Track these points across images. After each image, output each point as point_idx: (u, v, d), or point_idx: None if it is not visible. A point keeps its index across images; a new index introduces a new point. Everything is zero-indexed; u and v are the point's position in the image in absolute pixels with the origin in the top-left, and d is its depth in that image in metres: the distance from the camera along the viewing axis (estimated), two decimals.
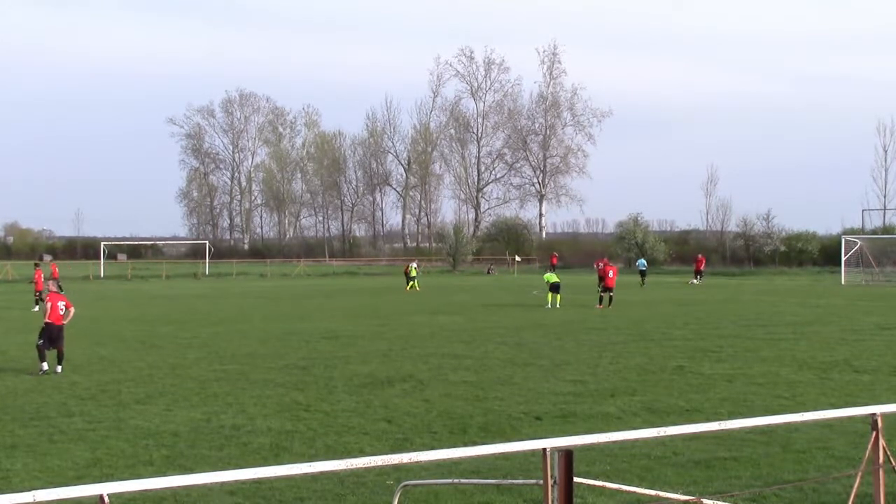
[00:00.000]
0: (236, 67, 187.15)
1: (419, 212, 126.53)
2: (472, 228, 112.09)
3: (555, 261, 78.59)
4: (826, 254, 79.82)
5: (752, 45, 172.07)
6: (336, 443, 12.34)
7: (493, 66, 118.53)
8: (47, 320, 19.58)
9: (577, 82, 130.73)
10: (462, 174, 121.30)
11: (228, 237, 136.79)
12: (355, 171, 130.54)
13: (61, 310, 19.82)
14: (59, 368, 19.05)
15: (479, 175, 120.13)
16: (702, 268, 62.95)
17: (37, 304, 37.57)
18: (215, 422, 13.80)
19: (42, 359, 19.12)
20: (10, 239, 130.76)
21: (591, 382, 17.32)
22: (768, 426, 11.40)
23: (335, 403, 15.27)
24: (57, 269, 41.08)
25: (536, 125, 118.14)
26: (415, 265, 58.19)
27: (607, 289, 38.28)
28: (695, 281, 61.02)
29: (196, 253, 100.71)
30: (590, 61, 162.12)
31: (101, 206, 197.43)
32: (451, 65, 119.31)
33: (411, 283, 55.31)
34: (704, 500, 7.70)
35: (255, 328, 29.12)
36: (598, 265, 47.83)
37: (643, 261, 63.00)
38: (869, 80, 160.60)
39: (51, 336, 19.34)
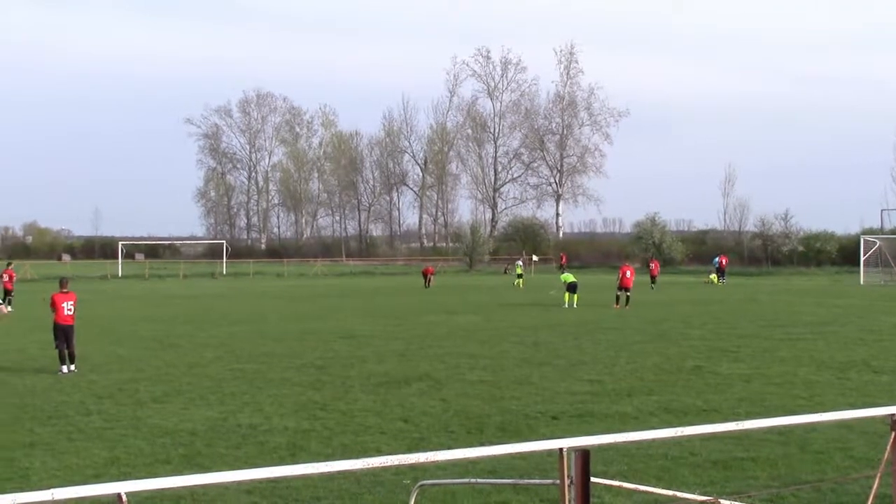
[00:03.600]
0: (253, 67, 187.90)
1: (436, 211, 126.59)
2: (488, 228, 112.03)
3: (564, 260, 79.61)
4: (844, 254, 79.28)
5: (770, 44, 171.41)
6: (353, 442, 12.35)
7: (509, 66, 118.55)
8: (56, 321, 19.63)
9: (594, 82, 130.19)
10: (479, 174, 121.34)
11: (246, 237, 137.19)
12: (372, 171, 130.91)
13: (68, 310, 19.82)
14: (72, 367, 19.16)
15: (495, 175, 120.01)
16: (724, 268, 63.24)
17: (7, 302, 37.85)
18: (232, 421, 13.84)
19: (62, 361, 19.20)
20: (30, 238, 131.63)
21: (608, 382, 17.28)
22: (786, 426, 11.35)
23: (352, 403, 15.29)
24: (14, 273, 40.65)
25: (553, 125, 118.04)
26: (520, 262, 60.64)
27: (624, 289, 38.13)
28: (714, 278, 60.98)
29: (213, 253, 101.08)
30: (607, 61, 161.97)
31: (119, 205, 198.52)
32: (467, 65, 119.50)
33: (518, 280, 57.26)
34: (722, 501, 7.66)
35: (272, 328, 29.20)
36: (650, 265, 56.32)
37: (717, 259, 64.90)
38: (889, 79, 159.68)
39: (64, 336, 19.41)
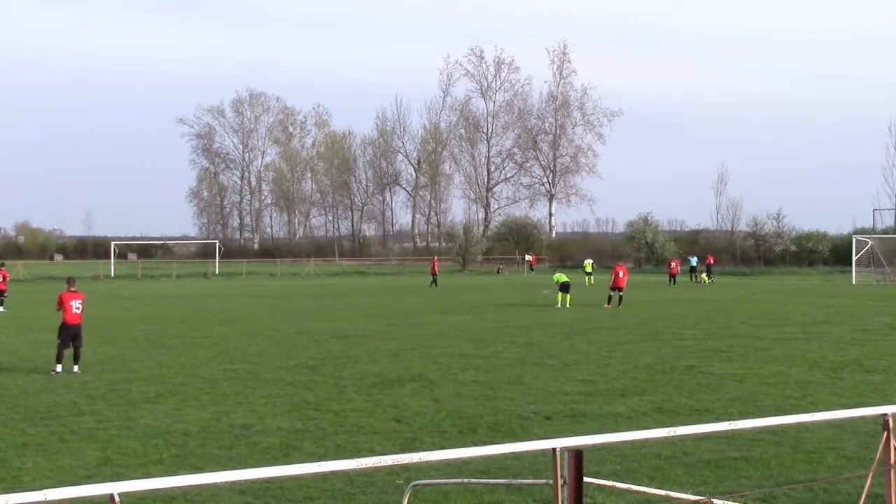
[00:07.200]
0: (246, 67, 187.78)
1: (429, 211, 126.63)
2: (481, 228, 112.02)
3: (534, 261, 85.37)
4: (837, 254, 79.50)
5: (763, 43, 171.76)
6: (346, 442, 12.35)
7: (503, 66, 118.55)
8: (65, 321, 19.54)
9: (587, 82, 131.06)
10: (472, 174, 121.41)
11: (238, 237, 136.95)
12: (365, 171, 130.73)
13: (77, 308, 19.76)
14: (76, 368, 19.02)
15: (488, 175, 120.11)
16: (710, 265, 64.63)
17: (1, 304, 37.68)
18: (225, 421, 13.82)
19: (59, 360, 19.07)
20: (22, 239, 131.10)
21: (601, 382, 17.30)
22: (779, 426, 11.37)
23: (345, 403, 15.28)
24: (7, 274, 40.47)
25: (546, 125, 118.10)
26: (590, 261, 61.48)
27: (617, 288, 38.19)
28: (705, 277, 61.53)
29: (206, 252, 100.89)
30: (600, 60, 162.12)
31: (111, 205, 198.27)
32: (461, 64, 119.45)
33: (587, 277, 58.43)
34: (714, 501, 7.68)
35: (265, 328, 29.16)
36: (669, 264, 60.73)
37: (695, 258, 66.37)
38: (881, 79, 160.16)
39: (71, 336, 19.32)
